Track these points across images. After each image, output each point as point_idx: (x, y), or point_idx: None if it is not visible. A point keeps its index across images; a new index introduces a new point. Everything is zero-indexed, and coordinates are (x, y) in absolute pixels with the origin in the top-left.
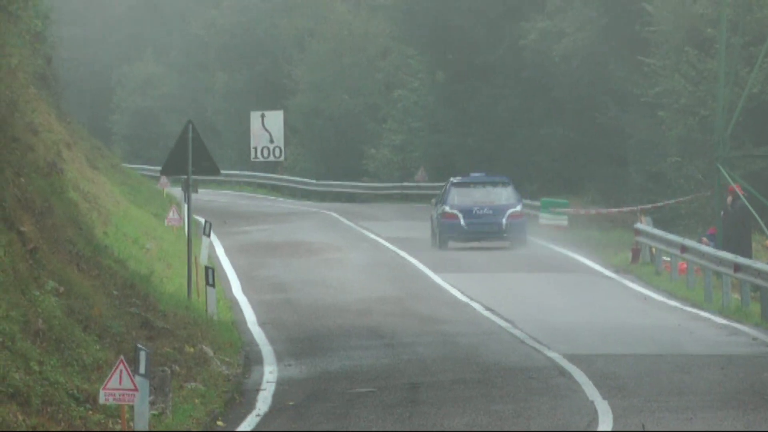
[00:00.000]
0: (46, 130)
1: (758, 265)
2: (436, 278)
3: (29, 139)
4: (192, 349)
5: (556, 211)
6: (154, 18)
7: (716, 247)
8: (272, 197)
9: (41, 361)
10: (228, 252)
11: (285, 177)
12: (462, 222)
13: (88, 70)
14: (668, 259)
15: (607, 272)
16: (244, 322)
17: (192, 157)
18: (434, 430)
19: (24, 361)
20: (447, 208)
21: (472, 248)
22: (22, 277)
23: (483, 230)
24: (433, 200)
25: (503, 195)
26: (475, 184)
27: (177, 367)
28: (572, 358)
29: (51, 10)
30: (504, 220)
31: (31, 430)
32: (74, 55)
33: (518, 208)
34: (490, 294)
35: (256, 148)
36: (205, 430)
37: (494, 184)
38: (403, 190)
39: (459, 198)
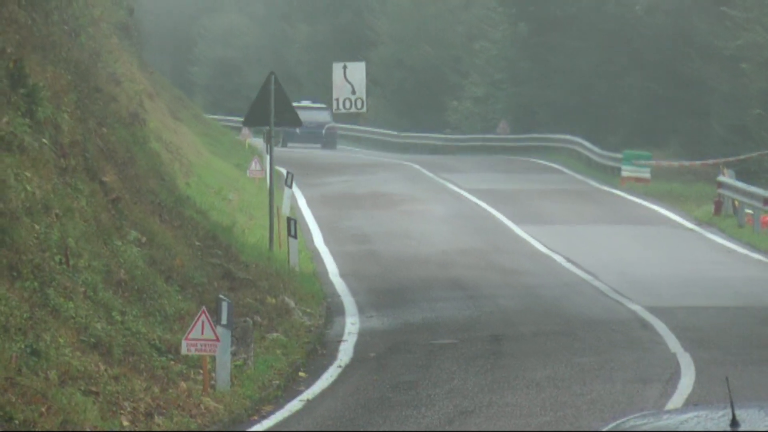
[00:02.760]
0: (129, 80)
1: None
2: (518, 230)
3: (112, 89)
4: (274, 300)
5: (639, 163)
6: None
7: None
8: (354, 149)
9: (123, 311)
10: (310, 203)
11: (367, 128)
12: (298, 131)
13: (169, 21)
14: (751, 211)
15: (689, 225)
16: (326, 273)
17: (274, 109)
18: (515, 381)
19: (106, 311)
20: None
21: (552, 201)
22: (104, 227)
23: (310, 136)
24: None
25: (323, 115)
26: (306, 107)
27: (259, 318)
28: (654, 311)
29: None
30: (323, 131)
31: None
32: (156, 6)
33: (332, 123)
34: (572, 246)
35: (338, 100)
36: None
37: (317, 108)
38: (485, 142)
39: None
